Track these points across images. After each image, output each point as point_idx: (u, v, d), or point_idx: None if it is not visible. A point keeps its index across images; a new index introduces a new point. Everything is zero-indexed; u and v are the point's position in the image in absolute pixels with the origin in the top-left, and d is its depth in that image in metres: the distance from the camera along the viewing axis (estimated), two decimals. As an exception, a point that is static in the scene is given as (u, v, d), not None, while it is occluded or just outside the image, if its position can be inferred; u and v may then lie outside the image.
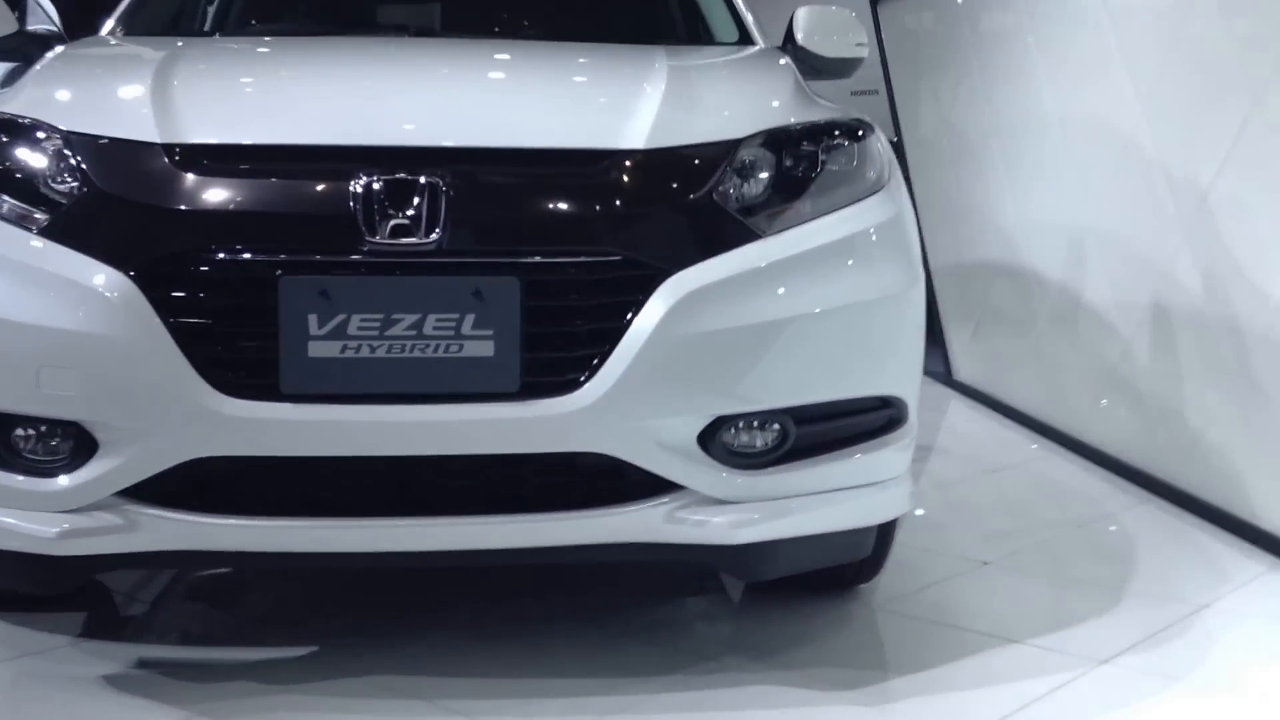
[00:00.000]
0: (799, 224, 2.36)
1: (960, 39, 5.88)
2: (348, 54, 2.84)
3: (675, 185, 2.29)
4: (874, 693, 2.43)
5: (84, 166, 2.25)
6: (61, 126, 2.31)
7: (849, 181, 2.48)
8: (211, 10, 3.50)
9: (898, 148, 6.41)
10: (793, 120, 2.51)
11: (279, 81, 2.55)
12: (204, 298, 2.14)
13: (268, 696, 2.32)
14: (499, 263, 2.17)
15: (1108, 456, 4.20)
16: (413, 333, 2.13)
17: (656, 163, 2.29)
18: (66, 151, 2.28)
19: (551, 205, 2.24)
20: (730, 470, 2.27)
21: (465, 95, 2.52)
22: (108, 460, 2.18)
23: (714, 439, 2.26)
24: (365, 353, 2.12)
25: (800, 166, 2.43)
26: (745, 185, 2.36)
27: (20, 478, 2.23)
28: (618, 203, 2.24)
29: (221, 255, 2.15)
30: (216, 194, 2.19)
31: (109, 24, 3.25)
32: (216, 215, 2.18)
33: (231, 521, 2.21)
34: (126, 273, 2.13)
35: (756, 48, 3.32)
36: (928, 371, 2.84)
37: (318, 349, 2.12)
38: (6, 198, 2.28)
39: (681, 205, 2.28)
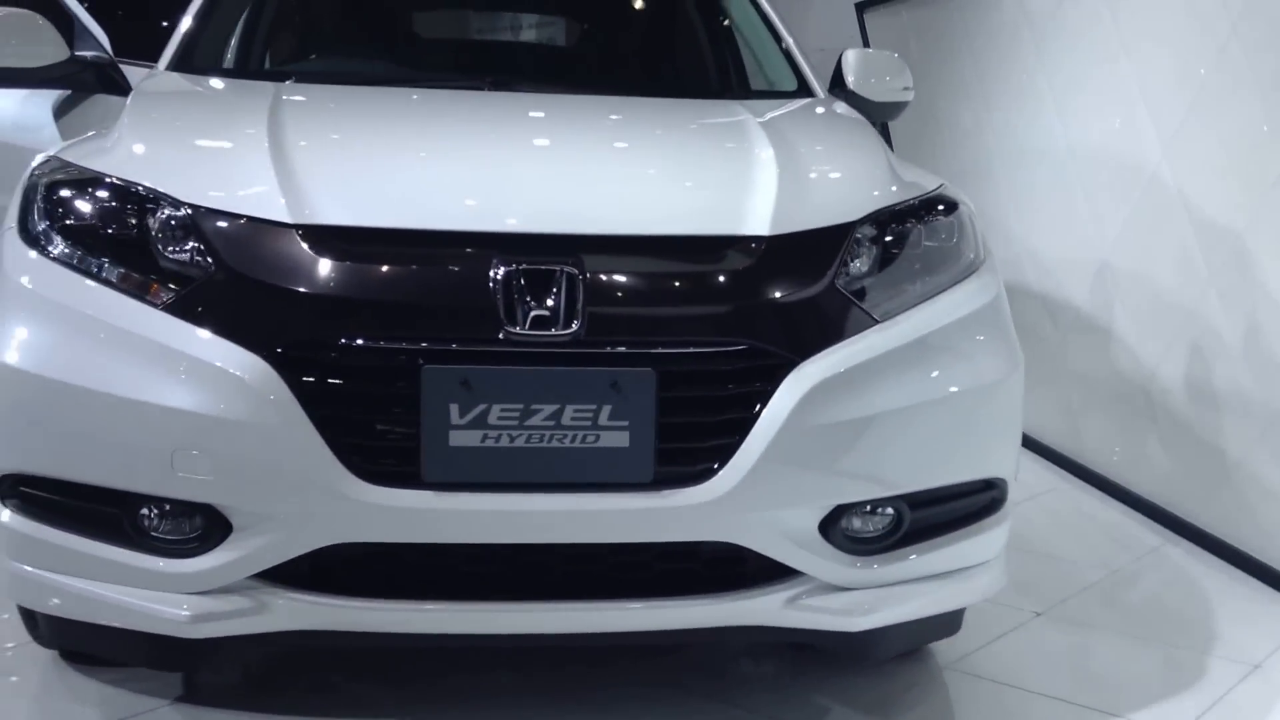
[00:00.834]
0: (910, 307, 2.40)
1: (955, 52, 5.99)
2: (454, 121, 2.80)
3: (799, 272, 2.31)
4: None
5: (213, 244, 2.22)
6: (183, 199, 2.28)
7: (951, 259, 2.52)
8: (258, 36, 3.46)
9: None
10: (897, 199, 2.54)
11: (403, 158, 2.49)
12: (345, 383, 2.14)
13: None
14: (635, 354, 2.18)
15: (1126, 491, 4.32)
16: (551, 423, 2.14)
17: (781, 249, 2.31)
18: (191, 226, 2.25)
19: (684, 294, 2.26)
20: (849, 557, 2.32)
21: (592, 179, 2.49)
22: (243, 543, 2.18)
23: (834, 526, 2.30)
24: (505, 442, 2.13)
25: (906, 246, 2.47)
26: (859, 268, 2.39)
27: (149, 558, 2.22)
28: (746, 291, 2.26)
29: (363, 341, 2.14)
30: (355, 279, 2.17)
31: (168, 58, 3.19)
32: (357, 301, 2.16)
33: (363, 604, 2.21)
34: (266, 356, 2.12)
35: (821, 99, 3.35)
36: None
37: (459, 438, 2.13)
38: (124, 269, 2.26)
39: (805, 292, 2.30)
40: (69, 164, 2.46)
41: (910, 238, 2.48)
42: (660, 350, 2.19)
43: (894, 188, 2.58)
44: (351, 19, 3.79)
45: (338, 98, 2.90)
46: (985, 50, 5.79)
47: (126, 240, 2.30)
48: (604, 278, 2.19)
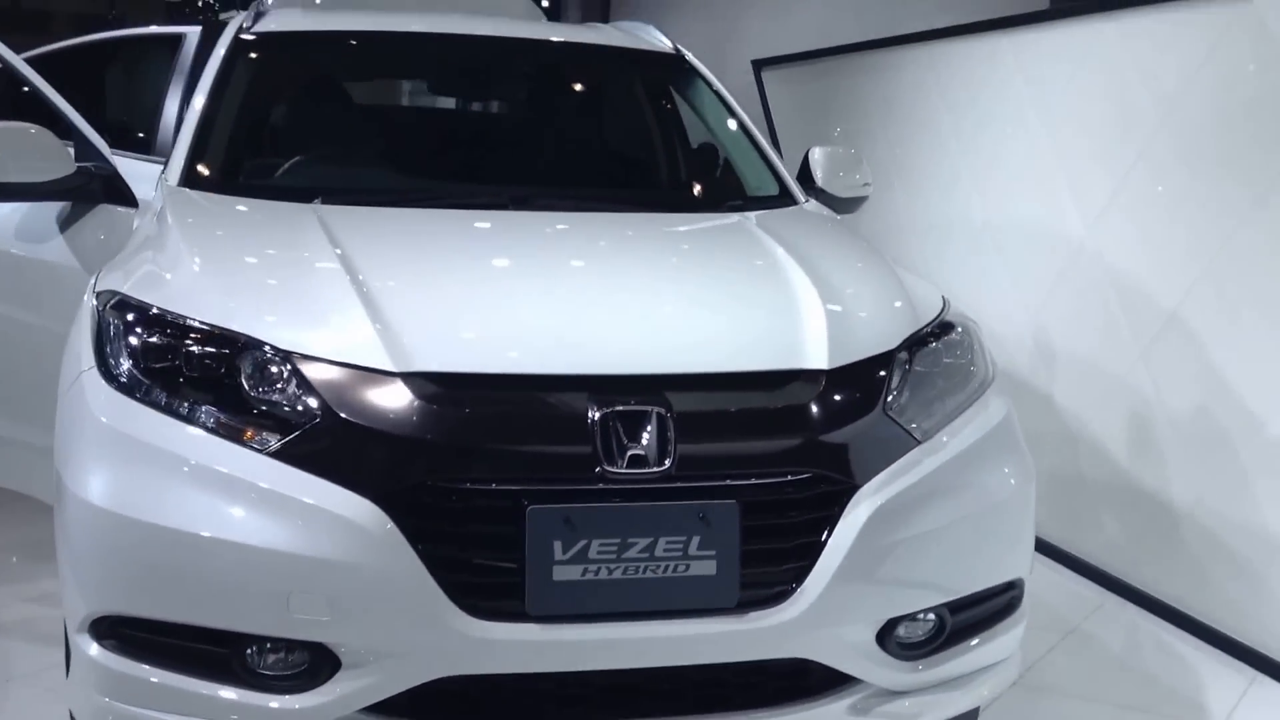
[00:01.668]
0: (944, 425, 2.60)
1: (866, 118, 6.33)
2: (512, 255, 2.90)
3: (854, 401, 2.49)
4: None
5: (317, 391, 2.29)
6: (281, 346, 2.35)
7: (968, 375, 2.74)
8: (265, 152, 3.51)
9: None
10: (922, 321, 2.75)
11: (485, 300, 2.59)
12: (453, 524, 2.24)
13: None
14: (721, 487, 2.33)
15: (1062, 552, 4.65)
16: (645, 555, 2.28)
17: (839, 380, 2.49)
18: (291, 373, 2.32)
19: (760, 428, 2.42)
20: (900, 663, 2.51)
21: (666, 317, 2.62)
22: (352, 679, 2.26)
23: (889, 636, 2.49)
24: (604, 575, 2.27)
25: (930, 365, 2.68)
26: (899, 391, 2.58)
27: (256, 694, 2.29)
28: (813, 422, 2.43)
29: (470, 484, 2.25)
30: (462, 424, 2.28)
31: (177, 172, 3.22)
32: (465, 446, 2.26)
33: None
34: (378, 501, 2.21)
35: (809, 206, 3.56)
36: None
37: (561, 573, 2.25)
38: (221, 413, 2.32)
39: (861, 419, 2.48)
40: (144, 303, 2.50)
41: (933, 358, 2.69)
42: (742, 483, 2.34)
43: (916, 309, 2.79)
44: (355, 134, 3.85)
45: (384, 223, 2.97)
46: (898, 116, 6.13)
47: (218, 384, 2.36)
48: (689, 415, 2.33)
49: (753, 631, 2.34)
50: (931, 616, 2.56)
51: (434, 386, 2.30)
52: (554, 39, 4.10)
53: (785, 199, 3.60)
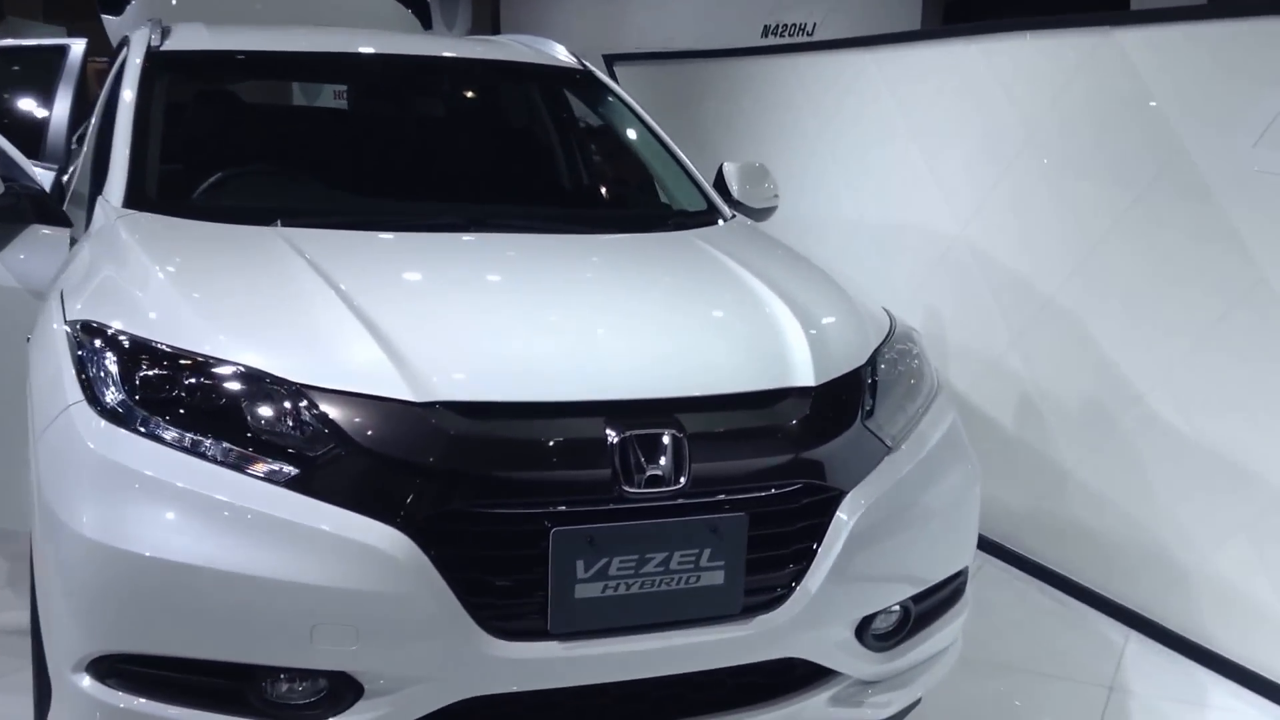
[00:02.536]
0: (908, 432, 2.80)
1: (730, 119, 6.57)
2: (499, 280, 2.97)
3: (837, 414, 2.67)
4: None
5: (334, 422, 2.32)
6: (291, 378, 2.37)
7: (920, 383, 2.95)
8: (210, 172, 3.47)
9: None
10: (880, 336, 2.95)
11: (494, 328, 2.64)
12: (479, 549, 2.31)
13: None
14: (730, 500, 2.47)
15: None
16: (661, 569, 2.40)
17: (824, 396, 2.66)
18: (304, 405, 2.34)
19: (762, 444, 2.56)
20: (875, 654, 2.70)
21: (669, 342, 2.72)
22: (375, 706, 2.30)
23: (865, 630, 2.68)
24: (622, 590, 2.38)
25: (892, 377, 2.88)
26: (869, 403, 2.77)
27: None
28: (806, 436, 2.59)
29: (496, 510, 2.32)
30: (486, 451, 2.34)
31: (119, 194, 3.16)
32: (489, 472, 2.33)
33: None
34: (405, 530, 2.26)
35: (740, 221, 3.73)
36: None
37: (583, 590, 2.35)
38: (228, 445, 2.33)
39: (845, 431, 2.65)
40: (138, 336, 2.47)
41: (891, 370, 2.89)
42: (749, 496, 2.49)
43: (874, 324, 2.99)
44: (296, 155, 3.82)
45: (358, 248, 2.98)
46: (761, 118, 6.38)
47: (225, 417, 2.36)
48: (698, 435, 2.46)
49: (755, 635, 2.50)
50: (897, 608, 2.76)
51: (456, 415, 2.36)
52: (481, 56, 4.15)
53: (712, 213, 3.76)
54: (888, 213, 5.43)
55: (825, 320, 2.89)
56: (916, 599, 2.78)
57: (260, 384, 2.38)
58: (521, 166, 4.26)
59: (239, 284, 2.73)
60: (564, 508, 2.36)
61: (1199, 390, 3.93)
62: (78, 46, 4.33)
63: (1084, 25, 4.40)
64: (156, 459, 2.32)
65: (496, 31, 11.14)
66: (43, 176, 3.77)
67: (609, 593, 2.37)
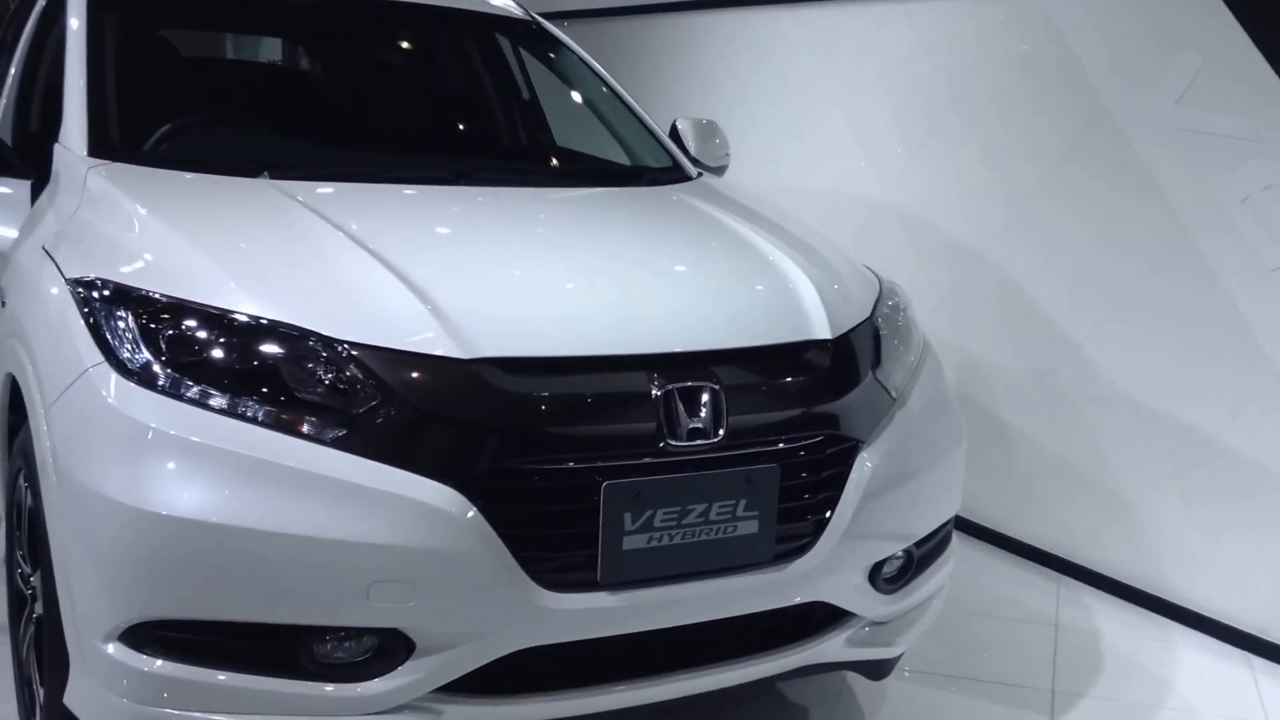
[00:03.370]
0: (907, 384, 2.90)
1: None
2: (520, 234, 2.94)
3: (852, 366, 2.75)
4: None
5: (381, 380, 2.28)
6: (334, 336, 2.32)
7: (911, 333, 3.05)
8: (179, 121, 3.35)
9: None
10: (877, 291, 3.04)
11: (529, 283, 2.63)
12: (531, 504, 2.32)
13: None
14: (763, 452, 2.52)
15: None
16: (701, 520, 2.45)
17: (840, 348, 2.73)
18: (348, 363, 2.30)
19: (790, 395, 2.62)
20: (885, 596, 2.80)
21: (699, 295, 2.76)
22: (428, 661, 2.30)
23: (877, 574, 2.78)
24: (666, 541, 2.42)
25: (890, 328, 2.96)
26: (878, 355, 2.86)
27: (323, 685, 2.28)
28: (827, 387, 2.66)
29: (548, 465, 2.33)
30: (537, 406, 2.34)
31: (82, 141, 3.02)
32: (542, 427, 2.33)
33: (527, 701, 2.41)
34: (458, 487, 2.25)
35: (711, 179, 3.77)
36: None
37: (630, 542, 2.38)
38: (273, 407, 2.27)
39: (860, 382, 2.74)
40: (155, 293, 2.39)
41: (889, 323, 2.98)
42: (780, 447, 2.55)
43: (869, 281, 3.07)
44: (267, 101, 3.70)
45: (363, 201, 2.92)
46: (676, 75, 6.40)
47: (263, 376, 2.31)
48: (733, 387, 2.51)
49: (785, 581, 2.57)
50: (902, 553, 2.87)
51: (504, 371, 2.35)
52: (434, 3, 4.06)
53: (679, 170, 3.79)
54: (809, 176, 5.53)
55: (828, 274, 2.96)
56: (918, 544, 2.89)
57: (299, 341, 2.33)
58: (487, 121, 4.21)
59: (256, 238, 2.66)
60: (613, 462, 2.38)
61: (1125, 348, 4.14)
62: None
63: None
64: (195, 421, 2.26)
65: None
66: None
67: (653, 544, 2.41)
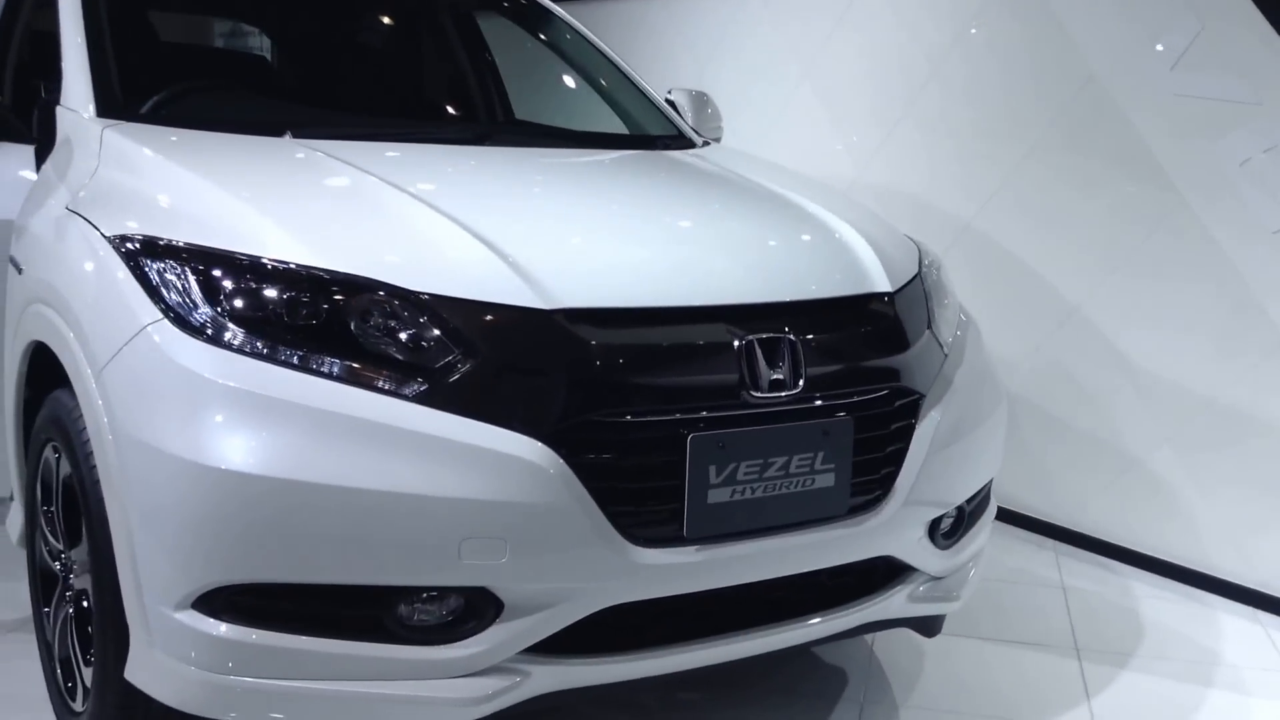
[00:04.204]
0: (954, 339, 2.90)
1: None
2: (578, 190, 2.90)
3: (915, 318, 2.74)
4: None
5: (461, 333, 2.21)
6: (410, 288, 2.24)
7: (946, 291, 3.05)
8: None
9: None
10: (920, 247, 3.03)
11: (601, 235, 2.59)
12: (619, 457, 2.25)
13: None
14: (838, 404, 2.49)
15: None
16: (781, 473, 2.41)
17: (900, 301, 2.72)
18: (426, 316, 2.22)
19: (860, 347, 2.59)
20: (941, 551, 2.79)
21: (768, 248, 2.74)
22: (517, 620, 2.22)
23: (935, 529, 2.77)
24: (748, 494, 2.37)
25: (930, 283, 2.96)
26: (929, 308, 2.85)
27: (409, 649, 2.20)
28: (892, 339, 2.64)
29: (634, 417, 2.27)
30: (622, 358, 2.27)
31: (88, 102, 2.90)
32: (628, 379, 2.27)
33: (613, 659, 2.35)
34: (546, 440, 2.18)
35: (723, 146, 3.74)
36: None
37: (715, 496, 2.33)
38: (351, 362, 2.19)
39: (922, 335, 2.73)
40: (206, 247, 2.29)
41: (930, 280, 2.98)
42: (853, 400, 2.52)
43: (902, 238, 3.06)
44: (276, 62, 3.58)
45: (406, 159, 2.85)
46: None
47: (335, 330, 2.21)
48: (809, 339, 2.47)
49: (859, 535, 2.54)
50: (954, 509, 2.86)
51: (588, 323, 2.28)
52: None
53: (684, 138, 3.75)
54: (777, 156, 5.51)
55: (874, 231, 2.94)
56: (968, 499, 2.89)
57: (372, 294, 2.24)
58: (484, 90, 4.13)
59: (306, 193, 2.57)
60: (698, 414, 2.33)
61: (1120, 311, 4.19)
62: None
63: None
64: (269, 377, 2.16)
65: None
66: None
67: (736, 497, 2.36)
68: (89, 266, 2.43)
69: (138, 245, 2.34)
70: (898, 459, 2.59)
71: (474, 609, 2.23)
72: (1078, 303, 4.32)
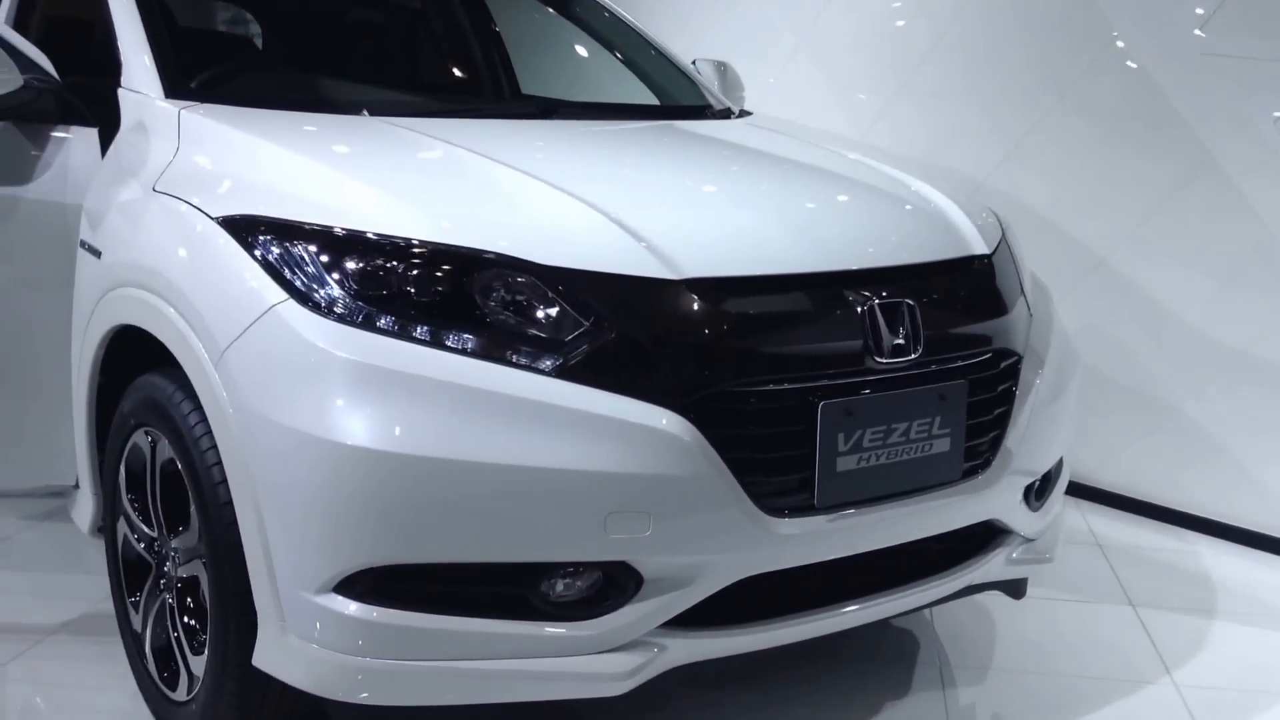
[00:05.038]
0: (1036, 302, 2.92)
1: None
2: (675, 162, 2.87)
3: (1010, 280, 2.76)
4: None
5: (592, 305, 2.18)
6: (537, 261, 2.20)
7: (1018, 254, 3.07)
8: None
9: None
10: (992, 211, 3.04)
11: (716, 206, 2.58)
12: (751, 427, 2.23)
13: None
14: (953, 369, 2.49)
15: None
16: (903, 439, 2.40)
17: (996, 263, 2.73)
18: (557, 289, 2.18)
19: (967, 309, 2.60)
20: (1034, 514, 2.82)
21: (875, 214, 2.72)
22: (657, 594, 2.21)
23: (1029, 491, 2.79)
24: (873, 461, 2.37)
25: (1015, 244, 2.97)
26: (1018, 270, 2.87)
27: (551, 625, 2.18)
28: (994, 301, 2.65)
29: (767, 386, 2.25)
30: (752, 326, 2.26)
31: (154, 84, 2.81)
32: (759, 348, 2.25)
33: (743, 630, 2.34)
34: (682, 412, 2.16)
35: (760, 114, 3.72)
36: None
37: (843, 464, 2.32)
38: (484, 337, 2.15)
39: (1019, 297, 2.75)
40: (327, 227, 2.23)
41: (1012, 240, 2.98)
42: (965, 364, 2.52)
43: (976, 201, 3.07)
44: (332, 43, 3.48)
45: (499, 135, 2.81)
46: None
47: (462, 305, 2.18)
48: (924, 303, 2.46)
49: (971, 498, 2.55)
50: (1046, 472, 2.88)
51: (717, 292, 2.26)
52: None
53: (725, 109, 3.72)
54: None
55: (955, 195, 2.94)
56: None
57: (499, 269, 2.20)
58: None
59: (410, 169, 2.53)
60: (826, 381, 2.32)
61: (1149, 266, 4.26)
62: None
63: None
64: (405, 354, 2.12)
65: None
66: None
67: (862, 464, 2.36)
68: (197, 248, 2.36)
69: (256, 226, 2.28)
70: (1003, 422, 2.60)
71: (615, 583, 2.21)
72: (1104, 255, 4.37)
